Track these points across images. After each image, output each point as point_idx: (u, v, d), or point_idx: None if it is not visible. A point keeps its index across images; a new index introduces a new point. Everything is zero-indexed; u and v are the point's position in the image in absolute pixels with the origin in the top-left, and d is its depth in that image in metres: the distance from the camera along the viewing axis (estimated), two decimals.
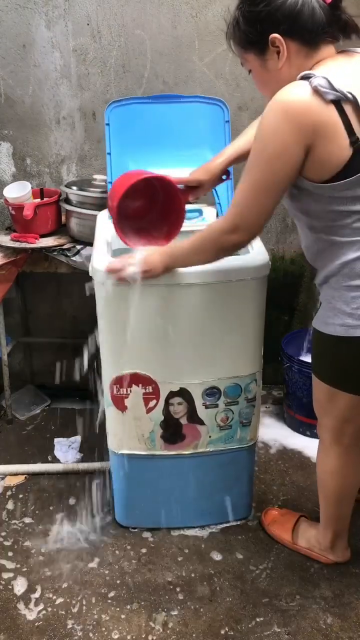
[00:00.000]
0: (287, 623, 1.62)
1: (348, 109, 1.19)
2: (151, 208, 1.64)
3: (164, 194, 1.59)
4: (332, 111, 1.19)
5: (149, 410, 1.71)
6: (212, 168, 1.60)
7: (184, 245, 1.46)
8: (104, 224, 1.84)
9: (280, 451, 2.30)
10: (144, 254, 1.48)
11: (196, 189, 1.61)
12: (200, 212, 1.85)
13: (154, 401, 1.70)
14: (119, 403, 1.71)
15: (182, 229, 1.80)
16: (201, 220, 1.83)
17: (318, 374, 1.56)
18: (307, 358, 2.45)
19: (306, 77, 1.21)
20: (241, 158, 1.60)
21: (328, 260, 1.38)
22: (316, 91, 1.18)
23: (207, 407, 1.72)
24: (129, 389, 1.68)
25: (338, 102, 1.19)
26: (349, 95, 1.19)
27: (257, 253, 1.63)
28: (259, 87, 1.38)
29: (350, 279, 1.35)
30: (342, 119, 1.19)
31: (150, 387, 1.68)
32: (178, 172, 1.84)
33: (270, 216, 1.35)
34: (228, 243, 1.38)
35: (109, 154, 1.84)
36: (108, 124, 1.84)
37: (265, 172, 1.27)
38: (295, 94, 1.20)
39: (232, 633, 1.59)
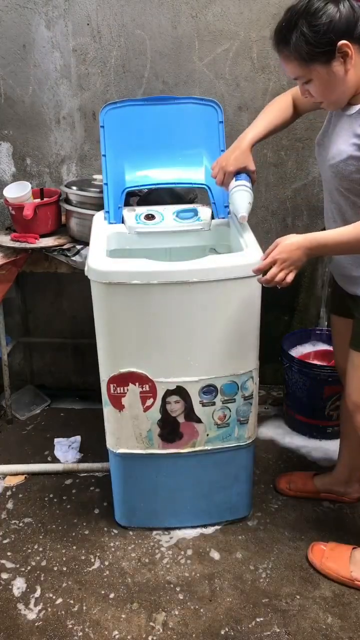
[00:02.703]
0: (287, 623, 1.61)
1: None
2: None
3: None
4: None
5: (146, 409, 1.71)
6: (246, 148, 1.66)
7: (337, 240, 1.40)
8: (100, 224, 1.85)
9: (280, 451, 2.30)
10: (286, 246, 1.39)
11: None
12: (195, 211, 1.85)
13: (151, 399, 1.70)
14: (116, 402, 1.71)
15: (178, 229, 1.80)
16: (196, 220, 1.82)
17: None
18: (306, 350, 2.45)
19: None
20: (271, 134, 1.68)
21: None
22: None
23: (204, 405, 1.72)
24: (125, 388, 1.68)
25: None
26: None
27: (251, 251, 1.63)
28: (323, 94, 1.41)
29: None
30: None
31: (147, 386, 1.68)
32: (172, 172, 1.85)
33: None
34: None
35: (104, 155, 1.84)
36: (103, 126, 1.84)
37: None
38: None
39: (232, 633, 1.59)
